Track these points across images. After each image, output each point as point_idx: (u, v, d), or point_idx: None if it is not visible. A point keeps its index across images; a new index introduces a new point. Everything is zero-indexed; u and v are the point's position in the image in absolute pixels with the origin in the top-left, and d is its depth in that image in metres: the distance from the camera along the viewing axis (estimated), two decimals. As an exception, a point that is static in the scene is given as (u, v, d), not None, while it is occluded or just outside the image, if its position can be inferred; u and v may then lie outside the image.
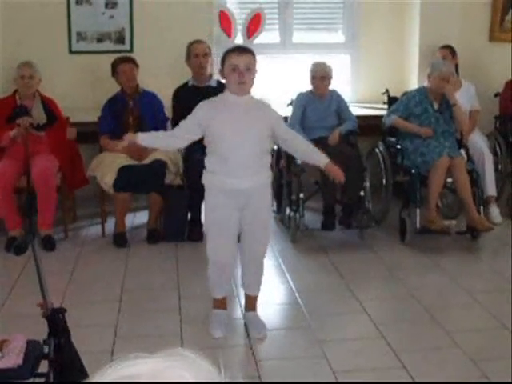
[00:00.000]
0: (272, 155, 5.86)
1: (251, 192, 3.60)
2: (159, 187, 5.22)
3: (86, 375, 2.55)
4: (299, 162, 5.30)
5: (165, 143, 3.93)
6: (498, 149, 6.13)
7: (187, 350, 0.77)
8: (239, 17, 3.74)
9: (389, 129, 5.64)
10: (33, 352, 2.51)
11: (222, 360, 3.38)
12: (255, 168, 3.61)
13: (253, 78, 3.54)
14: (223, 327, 3.78)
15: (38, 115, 5.24)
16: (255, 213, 3.67)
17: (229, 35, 3.61)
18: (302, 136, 4.09)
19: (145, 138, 3.79)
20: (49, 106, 5.36)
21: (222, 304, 3.88)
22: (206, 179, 3.70)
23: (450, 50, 6.03)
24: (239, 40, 3.65)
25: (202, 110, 3.64)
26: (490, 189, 5.68)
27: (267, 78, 6.33)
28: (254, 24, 3.62)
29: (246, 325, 3.87)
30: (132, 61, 5.51)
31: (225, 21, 3.61)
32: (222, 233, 3.65)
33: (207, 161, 3.67)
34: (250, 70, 3.50)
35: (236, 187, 3.57)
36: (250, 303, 3.92)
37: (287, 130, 3.86)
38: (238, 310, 4.06)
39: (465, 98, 5.71)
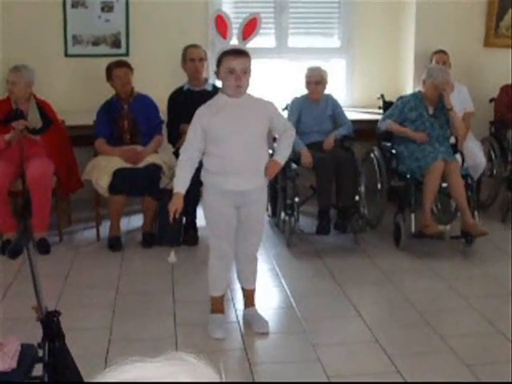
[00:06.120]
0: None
1: (248, 193, 3.66)
2: (154, 191, 5.21)
3: (80, 379, 2.54)
4: (294, 166, 5.31)
5: (192, 170, 3.69)
6: (492, 154, 6.14)
7: (186, 353, 0.77)
8: (234, 20, 3.76)
9: (384, 133, 5.64)
10: (27, 355, 2.50)
11: (222, 364, 3.38)
12: (252, 169, 3.66)
13: (248, 80, 3.59)
14: (223, 329, 3.81)
15: (34, 119, 5.23)
16: (251, 212, 3.74)
17: (224, 37, 3.63)
18: (295, 138, 4.07)
19: (181, 185, 3.65)
20: (44, 109, 5.36)
21: (219, 307, 3.92)
22: (204, 177, 3.75)
23: (447, 55, 6.05)
24: (234, 42, 3.67)
25: (200, 116, 3.65)
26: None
27: (262, 82, 6.34)
28: (251, 27, 3.65)
29: (248, 322, 3.91)
30: (127, 65, 5.51)
31: (222, 25, 3.63)
32: (222, 224, 3.73)
33: (205, 160, 3.69)
34: (246, 72, 3.55)
35: (233, 188, 3.62)
36: (249, 298, 4.00)
37: (283, 126, 3.86)
38: (233, 314, 4.06)
39: (458, 101, 5.71)
